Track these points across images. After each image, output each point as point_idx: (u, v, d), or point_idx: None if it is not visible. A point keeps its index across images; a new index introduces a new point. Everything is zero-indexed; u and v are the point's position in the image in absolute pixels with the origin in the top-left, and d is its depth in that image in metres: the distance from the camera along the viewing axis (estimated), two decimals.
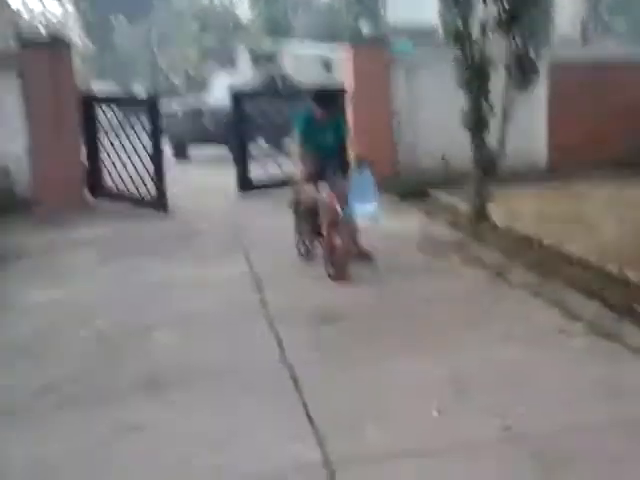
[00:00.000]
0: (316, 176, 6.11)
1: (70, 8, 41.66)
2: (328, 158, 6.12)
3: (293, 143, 6.34)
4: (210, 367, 4.25)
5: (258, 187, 10.12)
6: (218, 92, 16.36)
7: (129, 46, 43.17)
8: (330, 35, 25.70)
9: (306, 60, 19.00)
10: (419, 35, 22.94)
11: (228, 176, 10.30)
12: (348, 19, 30.68)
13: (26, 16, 43.16)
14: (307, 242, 6.50)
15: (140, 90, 29.01)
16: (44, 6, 43.44)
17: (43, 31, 25.29)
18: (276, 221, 7.80)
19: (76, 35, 41.87)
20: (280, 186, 9.48)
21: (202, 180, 11.85)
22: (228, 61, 21.25)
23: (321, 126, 6.16)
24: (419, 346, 4.44)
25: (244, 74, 18.92)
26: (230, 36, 28.09)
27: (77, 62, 35.89)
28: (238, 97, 10.23)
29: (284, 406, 3.71)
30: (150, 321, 5.07)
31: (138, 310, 5.35)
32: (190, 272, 6.30)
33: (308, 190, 6.18)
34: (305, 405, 3.68)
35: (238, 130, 10.10)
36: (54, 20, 43.17)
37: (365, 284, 5.75)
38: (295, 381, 3.97)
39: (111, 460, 3.27)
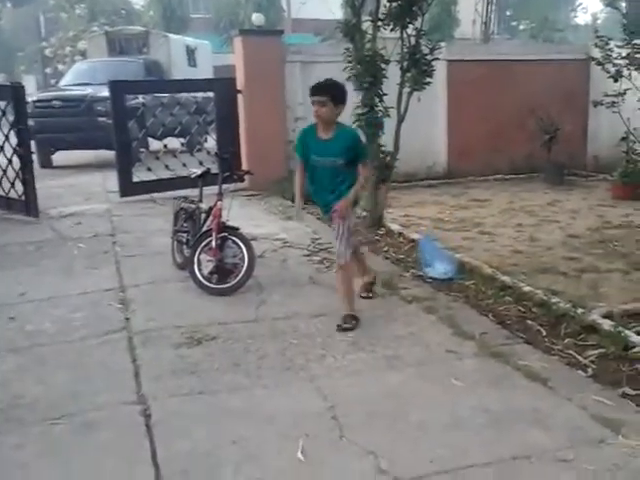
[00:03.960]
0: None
1: None
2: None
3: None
4: (48, 403, 3.61)
5: (143, 192, 9.09)
6: (70, 79, 14.58)
7: (15, 33, 39.34)
8: (229, 27, 24.81)
9: (176, 48, 16.79)
10: (325, 30, 22.47)
11: (112, 180, 9.48)
12: (248, 11, 29.76)
13: None
14: (184, 250, 5.90)
15: (30, 82, 27.15)
16: None
17: None
18: (156, 228, 7.21)
19: None
20: (168, 189, 8.81)
21: (81, 185, 10.85)
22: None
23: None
24: (296, 372, 3.94)
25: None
26: (122, 24, 26.36)
27: None
28: (118, 89, 9.03)
29: (128, 451, 3.13)
30: None
31: None
32: (49, 287, 5.57)
33: None
34: (153, 448, 3.13)
35: (120, 127, 9.00)
36: None
37: (244, 299, 5.20)
38: (147, 418, 3.41)
39: None
